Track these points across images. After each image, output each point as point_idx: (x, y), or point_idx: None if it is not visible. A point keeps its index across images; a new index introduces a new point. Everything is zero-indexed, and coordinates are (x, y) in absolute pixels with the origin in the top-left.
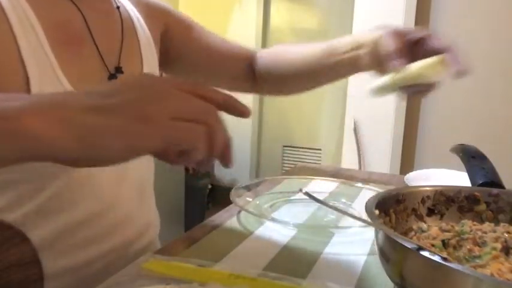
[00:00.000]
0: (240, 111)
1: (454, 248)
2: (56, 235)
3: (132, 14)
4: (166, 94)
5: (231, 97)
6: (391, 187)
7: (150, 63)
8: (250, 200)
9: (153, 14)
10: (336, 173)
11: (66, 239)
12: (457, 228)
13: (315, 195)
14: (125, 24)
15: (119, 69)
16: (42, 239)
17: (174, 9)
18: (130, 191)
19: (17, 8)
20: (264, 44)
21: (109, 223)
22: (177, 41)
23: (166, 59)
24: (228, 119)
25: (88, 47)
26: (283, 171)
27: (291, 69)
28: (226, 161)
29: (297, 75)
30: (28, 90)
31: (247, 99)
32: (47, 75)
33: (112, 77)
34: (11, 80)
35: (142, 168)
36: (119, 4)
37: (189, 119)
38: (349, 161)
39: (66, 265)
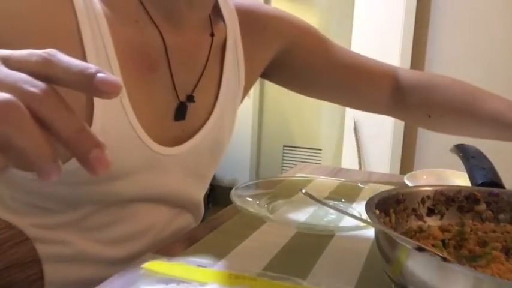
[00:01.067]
0: (101, 88)
1: (454, 248)
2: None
3: (229, 37)
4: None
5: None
6: (391, 187)
7: (229, 89)
8: (250, 200)
9: (267, 35)
10: (336, 173)
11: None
12: (457, 228)
13: (315, 195)
14: (212, 55)
15: (190, 98)
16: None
17: (299, 22)
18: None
19: (92, 22)
20: None
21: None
22: (307, 58)
23: (290, 74)
24: None
25: (161, 75)
26: (283, 171)
27: (473, 127)
28: (88, 162)
29: (470, 131)
30: (91, 111)
31: (246, 98)
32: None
33: (181, 105)
34: (76, 98)
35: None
36: (214, 31)
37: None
38: (349, 161)
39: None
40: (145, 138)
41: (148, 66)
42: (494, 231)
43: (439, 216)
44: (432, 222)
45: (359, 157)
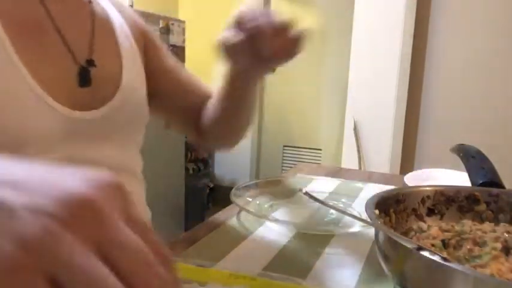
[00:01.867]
0: None
1: (454, 248)
2: None
3: (111, 14)
4: (91, 233)
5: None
6: (391, 187)
7: (132, 66)
8: (250, 200)
9: (137, 30)
10: (336, 173)
11: None
12: (457, 228)
13: (315, 195)
14: (97, 21)
15: (91, 62)
16: None
17: (152, 31)
18: None
19: None
20: None
21: None
22: (148, 61)
23: None
24: None
25: (53, 39)
26: (283, 171)
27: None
28: None
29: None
30: None
31: None
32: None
33: (83, 69)
34: None
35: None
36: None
37: None
38: (349, 161)
39: None
40: (50, 101)
41: (36, 31)
42: (494, 231)
43: (439, 216)
44: (432, 222)
45: (359, 157)
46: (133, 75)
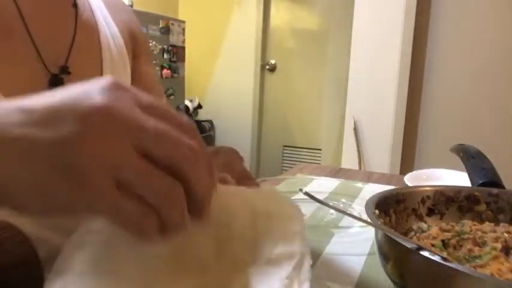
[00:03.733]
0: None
1: (454, 248)
2: None
3: (99, 21)
4: (125, 136)
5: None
6: (391, 187)
7: (115, 74)
8: None
9: (131, 35)
10: (336, 173)
11: None
12: (457, 228)
13: (315, 195)
14: (81, 27)
15: (64, 69)
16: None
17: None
18: None
19: None
20: (264, 44)
21: None
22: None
23: None
24: (228, 116)
25: (21, 43)
26: (283, 171)
27: None
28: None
29: None
30: None
31: (247, 99)
32: None
33: (54, 77)
34: None
35: None
36: (79, 3)
37: (143, 197)
38: (349, 161)
39: None
40: None
41: (2, 34)
42: (494, 231)
43: (439, 216)
44: (432, 222)
45: (359, 157)
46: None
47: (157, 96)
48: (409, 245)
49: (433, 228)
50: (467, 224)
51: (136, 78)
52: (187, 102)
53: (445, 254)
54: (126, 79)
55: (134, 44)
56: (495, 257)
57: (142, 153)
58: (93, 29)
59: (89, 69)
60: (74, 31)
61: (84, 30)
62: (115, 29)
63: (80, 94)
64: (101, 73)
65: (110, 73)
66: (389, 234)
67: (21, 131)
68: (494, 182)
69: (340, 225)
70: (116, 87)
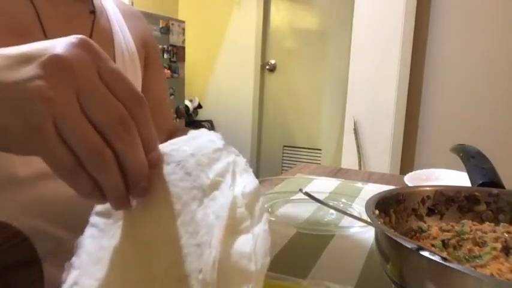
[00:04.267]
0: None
1: (454, 248)
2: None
3: (115, 28)
4: (73, 90)
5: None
6: (391, 187)
7: (126, 66)
8: None
9: (143, 43)
10: (335, 173)
11: None
12: (457, 228)
13: (315, 195)
14: (96, 32)
15: None
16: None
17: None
18: None
19: None
20: (264, 44)
21: None
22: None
23: None
24: (228, 116)
25: (35, 41)
26: (283, 171)
27: None
28: (137, 191)
29: None
30: None
31: (247, 99)
32: None
33: None
34: None
35: None
36: (96, 10)
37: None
38: (349, 161)
39: None
40: None
41: (18, 33)
42: (494, 231)
43: (439, 216)
44: (432, 222)
45: (359, 157)
46: None
47: (162, 119)
48: (409, 245)
49: (433, 228)
50: (467, 224)
51: (146, 90)
52: (187, 102)
53: (445, 254)
54: (137, 85)
55: (146, 52)
56: (495, 257)
57: (84, 112)
58: (108, 36)
59: None
60: (90, 36)
61: (99, 35)
62: (129, 37)
63: (51, 44)
64: None
65: None
66: (389, 234)
67: None
68: (494, 182)
69: (340, 225)
70: (82, 45)
